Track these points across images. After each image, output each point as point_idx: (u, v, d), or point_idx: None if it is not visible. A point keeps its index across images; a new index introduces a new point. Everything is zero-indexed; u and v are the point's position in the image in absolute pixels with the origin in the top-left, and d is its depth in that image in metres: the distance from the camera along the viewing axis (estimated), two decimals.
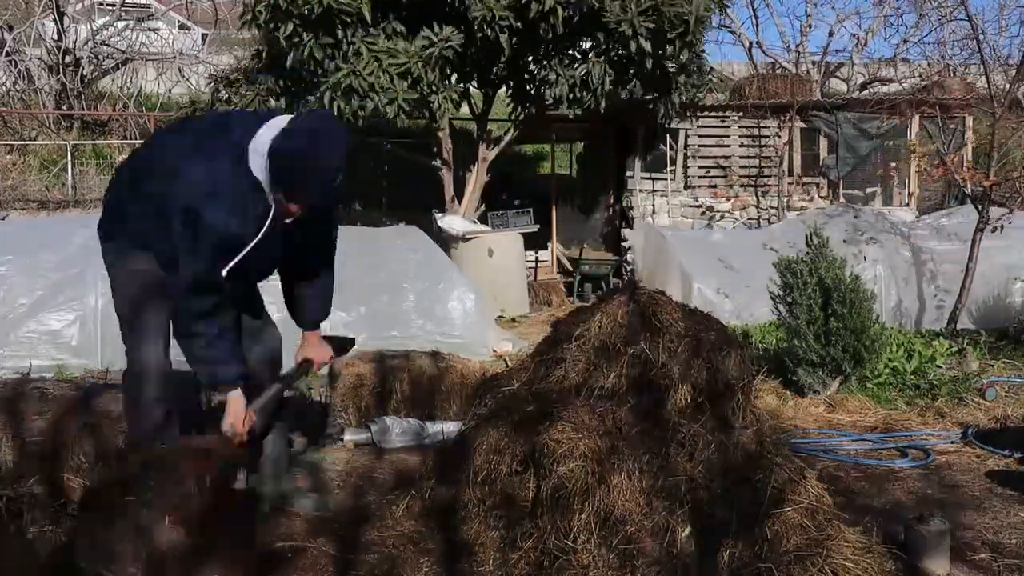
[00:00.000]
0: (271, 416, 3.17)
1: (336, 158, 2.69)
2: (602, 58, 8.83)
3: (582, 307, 3.48)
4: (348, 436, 4.39)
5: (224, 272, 2.73)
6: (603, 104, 9.01)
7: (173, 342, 2.98)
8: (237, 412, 2.86)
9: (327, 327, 3.33)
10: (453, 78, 9.20)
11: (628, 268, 10.89)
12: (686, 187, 11.24)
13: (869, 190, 11.53)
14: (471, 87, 10.28)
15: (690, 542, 2.59)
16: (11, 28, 15.96)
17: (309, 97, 8.55)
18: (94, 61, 16.88)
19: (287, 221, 2.81)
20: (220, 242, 2.69)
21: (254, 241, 2.74)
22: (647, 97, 9.68)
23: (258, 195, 2.74)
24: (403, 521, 3.14)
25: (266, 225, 2.76)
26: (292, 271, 3.15)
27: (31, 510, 3.08)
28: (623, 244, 11.23)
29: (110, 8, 17.39)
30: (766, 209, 11.27)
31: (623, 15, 8.31)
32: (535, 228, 10.85)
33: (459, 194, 10.24)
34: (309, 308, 3.20)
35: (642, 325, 3.06)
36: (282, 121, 2.76)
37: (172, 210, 2.71)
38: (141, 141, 14.92)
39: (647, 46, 8.40)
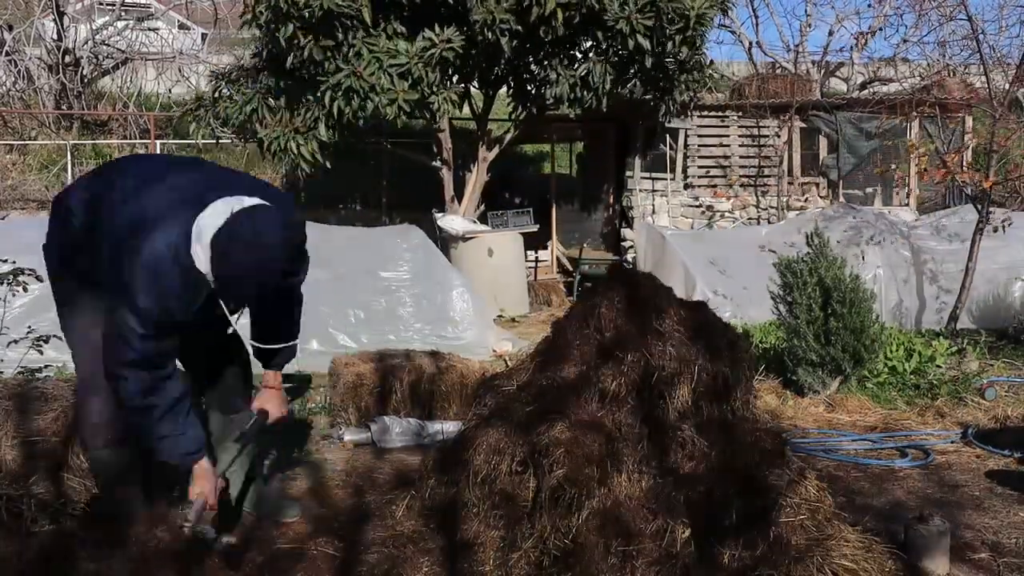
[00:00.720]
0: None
1: (269, 268, 2.59)
2: (602, 57, 8.82)
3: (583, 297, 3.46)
4: (348, 436, 4.40)
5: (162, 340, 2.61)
6: (604, 103, 9.00)
7: None
8: (207, 481, 2.77)
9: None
10: (454, 79, 9.20)
11: (628, 268, 10.90)
12: (686, 187, 11.24)
13: (869, 190, 11.53)
14: (471, 87, 10.28)
15: (690, 543, 2.59)
16: (11, 28, 15.97)
17: (309, 97, 8.55)
18: (94, 61, 16.89)
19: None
20: (159, 320, 2.57)
21: (195, 312, 2.64)
22: (648, 96, 9.67)
23: (200, 280, 2.59)
24: (403, 521, 3.14)
25: (202, 302, 2.64)
26: (254, 313, 3.05)
27: (31, 510, 3.09)
28: (623, 244, 11.24)
29: (110, 8, 17.39)
30: (766, 209, 11.27)
31: (621, 13, 8.30)
32: (535, 228, 10.85)
33: (459, 194, 10.24)
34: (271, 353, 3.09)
35: (643, 324, 3.06)
36: (225, 208, 2.57)
37: (113, 282, 2.60)
38: (140, 141, 15.00)
39: (646, 43, 8.38)
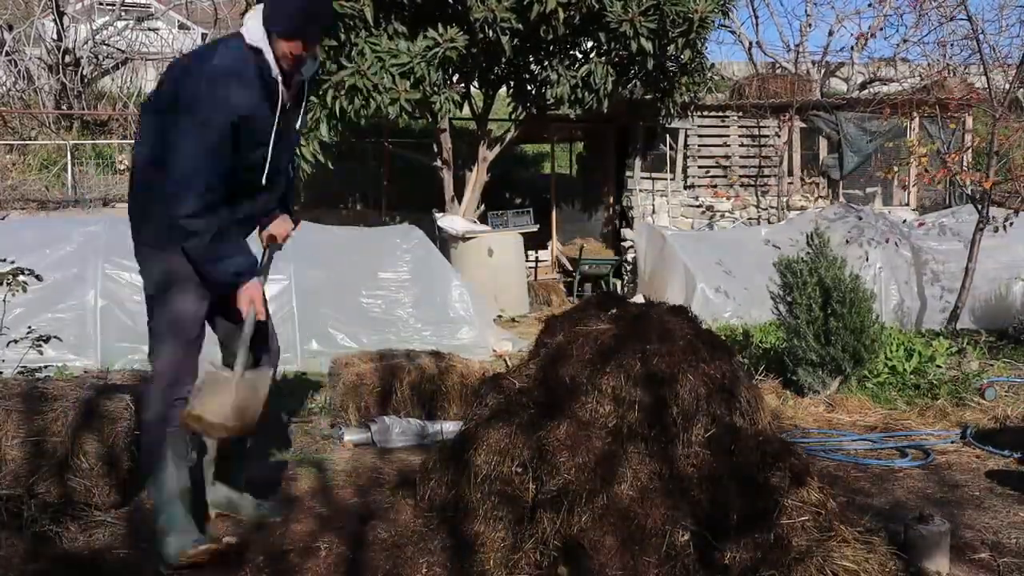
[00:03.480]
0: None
1: None
2: (603, 58, 8.83)
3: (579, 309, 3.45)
4: (348, 436, 4.39)
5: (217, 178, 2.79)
6: (605, 104, 9.01)
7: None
8: (255, 293, 2.96)
9: None
10: (455, 78, 9.20)
11: (628, 268, 10.89)
12: (686, 187, 11.24)
13: (869, 190, 11.54)
14: (472, 87, 10.28)
15: (691, 543, 2.59)
16: (11, 28, 15.96)
17: (310, 97, 8.54)
18: (94, 61, 16.88)
19: (291, 79, 2.90)
20: (224, 120, 2.73)
21: (264, 113, 2.85)
22: (648, 97, 9.67)
23: (258, 58, 2.80)
24: (404, 521, 3.14)
25: (279, 92, 2.86)
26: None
27: (31, 510, 3.08)
28: (623, 244, 11.24)
29: (110, 8, 17.38)
30: (766, 209, 11.27)
31: (624, 15, 8.31)
32: (535, 228, 10.86)
33: (459, 194, 10.24)
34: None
35: (646, 331, 3.06)
36: None
37: (177, 105, 2.77)
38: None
39: (649, 46, 8.40)
